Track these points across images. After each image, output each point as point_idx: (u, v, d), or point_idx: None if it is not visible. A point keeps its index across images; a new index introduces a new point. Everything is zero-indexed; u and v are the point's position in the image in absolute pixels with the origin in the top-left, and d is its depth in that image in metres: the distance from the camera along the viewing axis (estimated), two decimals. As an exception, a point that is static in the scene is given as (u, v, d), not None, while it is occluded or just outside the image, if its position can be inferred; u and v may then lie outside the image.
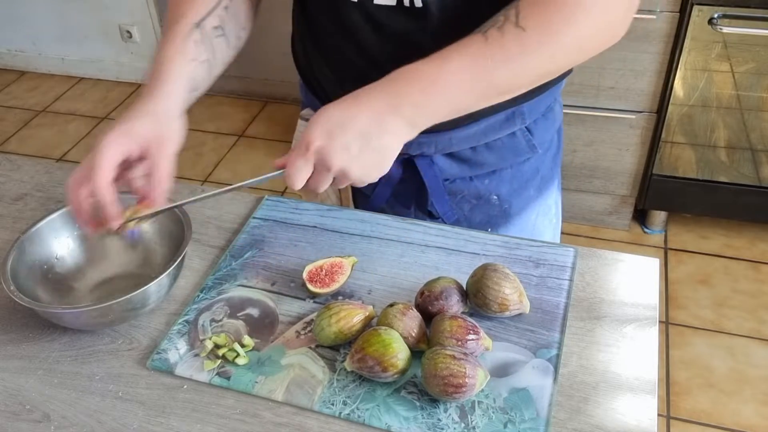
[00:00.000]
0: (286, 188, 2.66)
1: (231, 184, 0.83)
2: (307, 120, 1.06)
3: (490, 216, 1.03)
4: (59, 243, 0.90)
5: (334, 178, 0.78)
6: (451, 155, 0.98)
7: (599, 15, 0.76)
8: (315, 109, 1.04)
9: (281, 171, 0.78)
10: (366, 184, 0.79)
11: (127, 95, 3.31)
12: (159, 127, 0.77)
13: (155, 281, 0.79)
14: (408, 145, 0.95)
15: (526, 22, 0.75)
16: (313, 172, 0.76)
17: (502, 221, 1.04)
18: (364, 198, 1.06)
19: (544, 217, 1.09)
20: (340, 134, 0.74)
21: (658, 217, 2.36)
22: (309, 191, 0.80)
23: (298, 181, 0.76)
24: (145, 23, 3.18)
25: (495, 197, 1.02)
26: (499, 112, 0.93)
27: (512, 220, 1.05)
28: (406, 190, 1.02)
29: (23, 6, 3.31)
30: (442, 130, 0.93)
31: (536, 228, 1.08)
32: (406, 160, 0.99)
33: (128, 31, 3.23)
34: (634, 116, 2.09)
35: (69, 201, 0.77)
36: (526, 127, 0.97)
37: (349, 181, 0.77)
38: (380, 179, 1.01)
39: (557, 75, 0.82)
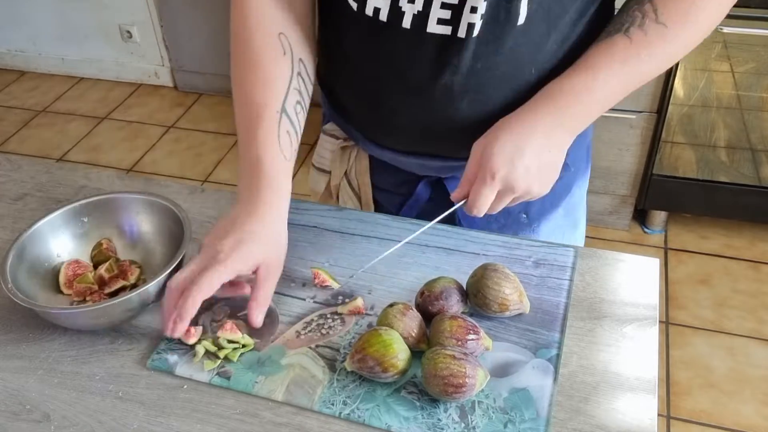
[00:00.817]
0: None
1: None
2: (330, 135, 1.04)
3: (517, 234, 1.02)
4: (59, 243, 0.90)
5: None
6: None
7: None
8: (338, 124, 1.02)
9: (463, 202, 0.82)
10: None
11: (127, 95, 3.31)
12: (271, 253, 0.79)
13: (155, 281, 0.79)
14: (442, 169, 0.95)
15: (666, 17, 0.78)
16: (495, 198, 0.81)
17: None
18: None
19: (571, 232, 1.08)
20: (520, 159, 0.78)
21: (658, 217, 2.36)
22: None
23: (484, 209, 0.80)
24: (145, 23, 3.18)
25: (524, 216, 1.00)
26: None
27: (540, 237, 1.03)
28: (433, 209, 1.00)
29: (23, 6, 3.31)
30: None
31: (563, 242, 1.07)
32: (435, 180, 0.98)
33: (128, 31, 3.23)
34: (634, 116, 2.09)
35: (166, 302, 0.77)
36: None
37: (527, 198, 0.82)
38: (407, 200, 1.01)
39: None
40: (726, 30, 1.85)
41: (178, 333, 0.75)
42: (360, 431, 0.72)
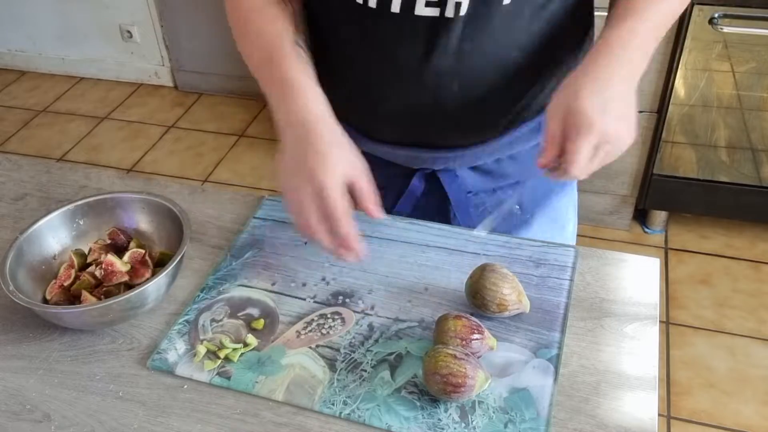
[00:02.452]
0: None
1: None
2: None
3: (511, 226, 1.02)
4: (58, 242, 0.90)
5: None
6: (475, 168, 0.97)
7: None
8: None
9: (558, 165, 0.78)
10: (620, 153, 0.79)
11: (127, 95, 3.31)
12: (349, 154, 0.79)
13: (153, 281, 0.79)
14: (434, 161, 0.95)
15: None
16: None
17: (523, 231, 1.03)
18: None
19: (563, 223, 1.09)
20: (611, 107, 0.75)
21: (659, 216, 2.35)
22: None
23: (585, 166, 0.77)
24: (145, 23, 3.18)
25: (517, 207, 1.01)
26: (526, 122, 0.93)
27: (533, 228, 1.04)
28: (428, 204, 1.01)
29: (23, 6, 3.30)
30: (470, 145, 0.93)
31: (554, 234, 1.07)
32: (429, 174, 0.98)
33: (128, 31, 3.23)
34: (634, 116, 2.09)
35: (316, 236, 0.77)
36: None
37: (617, 151, 0.78)
38: (400, 196, 1.01)
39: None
40: (726, 30, 1.85)
41: (361, 254, 0.78)
42: (360, 431, 0.72)
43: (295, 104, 0.79)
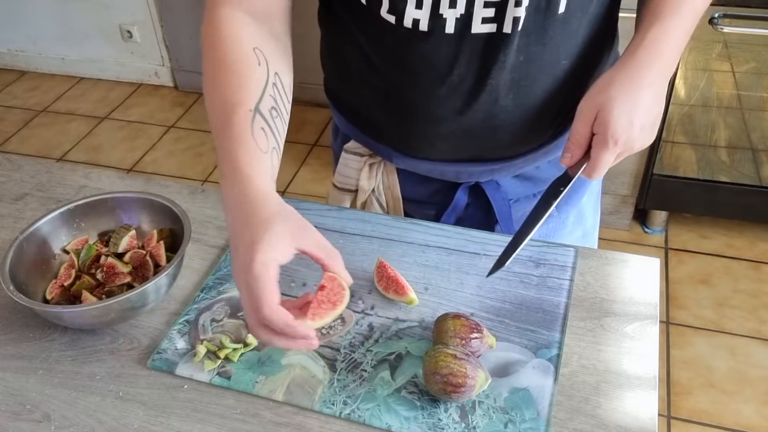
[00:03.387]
0: (286, 189, 2.66)
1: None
2: (354, 153, 1.01)
3: (549, 229, 1.02)
4: (58, 242, 0.90)
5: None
6: (516, 176, 0.97)
7: None
8: (363, 142, 0.99)
9: (583, 167, 0.81)
10: None
11: (127, 95, 3.31)
12: (288, 221, 0.68)
13: (153, 281, 0.79)
14: (480, 174, 0.95)
15: None
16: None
17: (560, 232, 1.03)
18: None
19: (592, 220, 1.09)
20: (637, 119, 0.77)
21: (659, 216, 2.35)
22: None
23: (605, 172, 0.80)
24: (145, 23, 3.18)
25: (555, 210, 1.01)
26: (569, 127, 0.90)
27: (567, 228, 1.04)
28: (471, 215, 1.00)
29: (23, 6, 3.31)
30: (517, 155, 0.93)
31: (586, 231, 1.07)
32: (473, 186, 0.98)
33: (128, 31, 3.23)
34: (634, 116, 2.09)
35: (260, 338, 0.66)
36: None
37: (631, 155, 0.81)
38: (442, 209, 1.01)
39: None
40: (726, 30, 1.85)
41: (315, 344, 0.66)
42: (360, 431, 0.72)
43: (244, 195, 0.70)
